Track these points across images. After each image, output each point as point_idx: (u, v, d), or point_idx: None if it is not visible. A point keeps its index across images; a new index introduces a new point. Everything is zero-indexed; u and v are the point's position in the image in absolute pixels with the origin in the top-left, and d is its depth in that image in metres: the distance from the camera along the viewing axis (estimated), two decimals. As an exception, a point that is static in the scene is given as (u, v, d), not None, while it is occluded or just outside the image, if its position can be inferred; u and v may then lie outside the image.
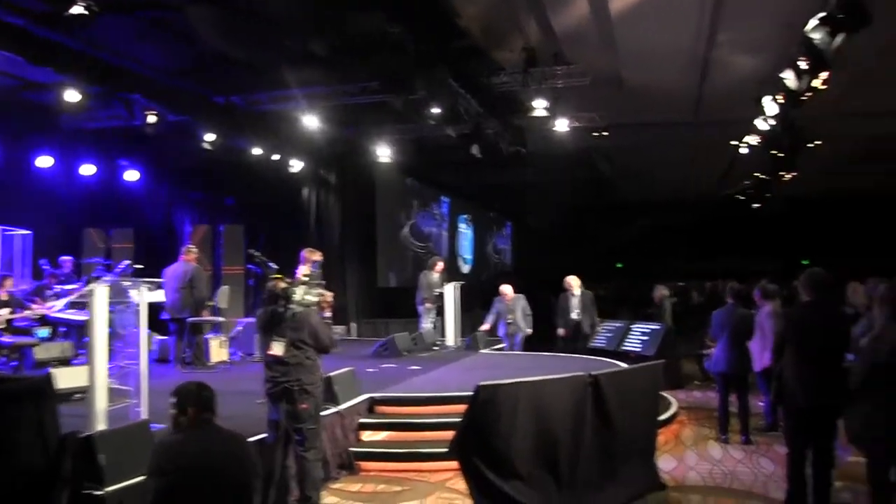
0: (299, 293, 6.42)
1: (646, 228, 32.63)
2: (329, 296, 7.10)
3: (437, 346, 14.72)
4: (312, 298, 6.57)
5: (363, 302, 19.75)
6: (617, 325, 14.89)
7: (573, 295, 14.10)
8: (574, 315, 14.03)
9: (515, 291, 14.63)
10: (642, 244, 33.40)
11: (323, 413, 7.49)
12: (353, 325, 18.81)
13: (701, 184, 27.05)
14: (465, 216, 27.81)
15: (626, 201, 30.71)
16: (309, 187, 18.50)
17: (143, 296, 7.42)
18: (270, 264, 10.27)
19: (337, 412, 8.29)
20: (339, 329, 16.97)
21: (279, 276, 6.63)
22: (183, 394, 4.29)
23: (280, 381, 6.36)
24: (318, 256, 13.46)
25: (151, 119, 12.48)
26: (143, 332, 7.36)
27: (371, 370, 11.63)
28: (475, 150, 15.12)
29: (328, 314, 7.04)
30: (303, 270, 12.88)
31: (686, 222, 31.64)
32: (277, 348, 6.34)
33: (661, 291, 16.49)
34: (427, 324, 15.26)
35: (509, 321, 14.40)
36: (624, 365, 11.25)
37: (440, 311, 15.43)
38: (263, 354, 6.55)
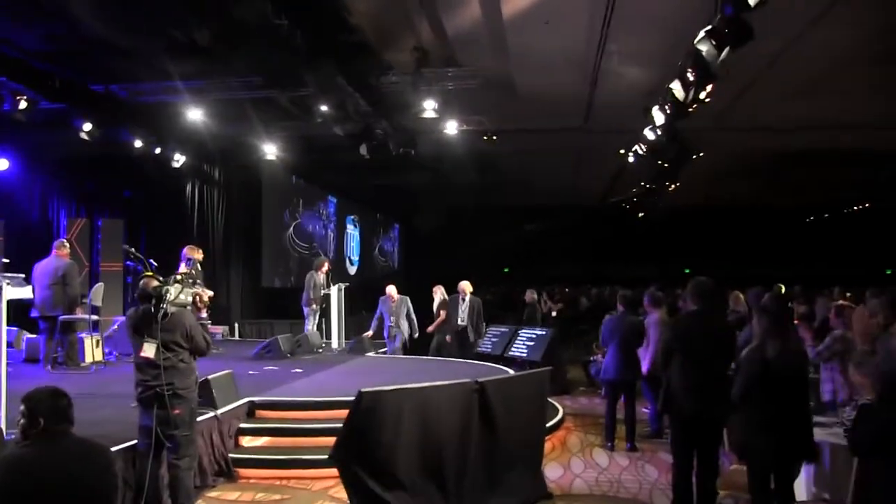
0: (173, 292, 6.04)
1: (532, 233, 32.94)
2: (205, 295, 6.71)
3: (321, 348, 14.41)
4: (187, 298, 6.19)
5: (247, 302, 19.44)
6: (503, 329, 14.86)
7: (462, 300, 14.05)
8: (460, 321, 14.00)
9: (401, 293, 14.49)
10: (529, 249, 33.72)
11: (199, 418, 7.19)
12: (236, 326, 18.35)
13: (589, 191, 27.44)
14: (353, 217, 27.54)
15: (513, 206, 30.98)
16: (192, 183, 17.96)
17: (4, 292, 6.90)
18: (151, 262, 9.81)
19: (214, 416, 7.92)
20: (221, 329, 16.54)
21: (151, 273, 6.25)
22: (34, 401, 3.79)
23: (152, 385, 5.98)
24: (199, 254, 13.12)
25: (22, 105, 11.74)
26: (0, 331, 6.85)
27: (252, 372, 11.28)
28: (363, 150, 14.92)
29: (204, 315, 6.65)
30: (183, 268, 12.48)
31: (572, 228, 32.10)
32: (149, 350, 5.97)
33: (531, 295, 16.95)
34: (312, 326, 14.94)
35: (391, 323, 14.23)
36: (510, 371, 11.28)
37: (325, 313, 15.16)
38: (135, 357, 6.16)
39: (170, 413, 5.96)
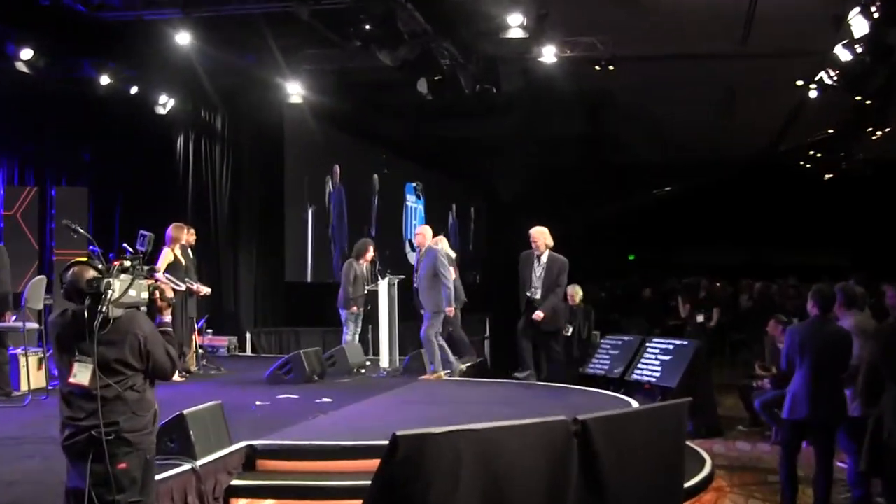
0: (118, 287, 5.60)
1: (665, 203, 32.35)
2: (168, 290, 6.26)
3: (363, 368, 14.15)
4: (140, 294, 5.76)
5: (263, 303, 19.47)
6: (624, 339, 14.47)
7: (536, 259, 13.13)
8: (531, 289, 13.07)
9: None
10: (660, 228, 33.10)
11: (167, 473, 6.89)
12: (248, 336, 18.28)
13: (748, 142, 26.91)
14: (414, 184, 27.45)
15: (637, 163, 30.33)
16: (185, 136, 17.98)
17: None
18: (125, 246, 9.43)
19: (192, 470, 7.53)
20: (225, 341, 16.53)
21: (85, 259, 5.82)
22: None
23: (84, 425, 5.57)
24: (191, 236, 12.98)
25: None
26: None
27: (261, 403, 10.97)
28: (422, 86, 14.63)
29: (168, 318, 6.21)
30: (166, 256, 12.30)
31: (724, 196, 31.43)
32: (81, 374, 5.55)
33: (575, 292, 16.22)
34: (352, 335, 14.66)
35: (416, 284, 13.48)
36: (633, 402, 10.90)
37: (371, 318, 14.84)
38: (61, 384, 5.76)
39: (111, 468, 5.54)
